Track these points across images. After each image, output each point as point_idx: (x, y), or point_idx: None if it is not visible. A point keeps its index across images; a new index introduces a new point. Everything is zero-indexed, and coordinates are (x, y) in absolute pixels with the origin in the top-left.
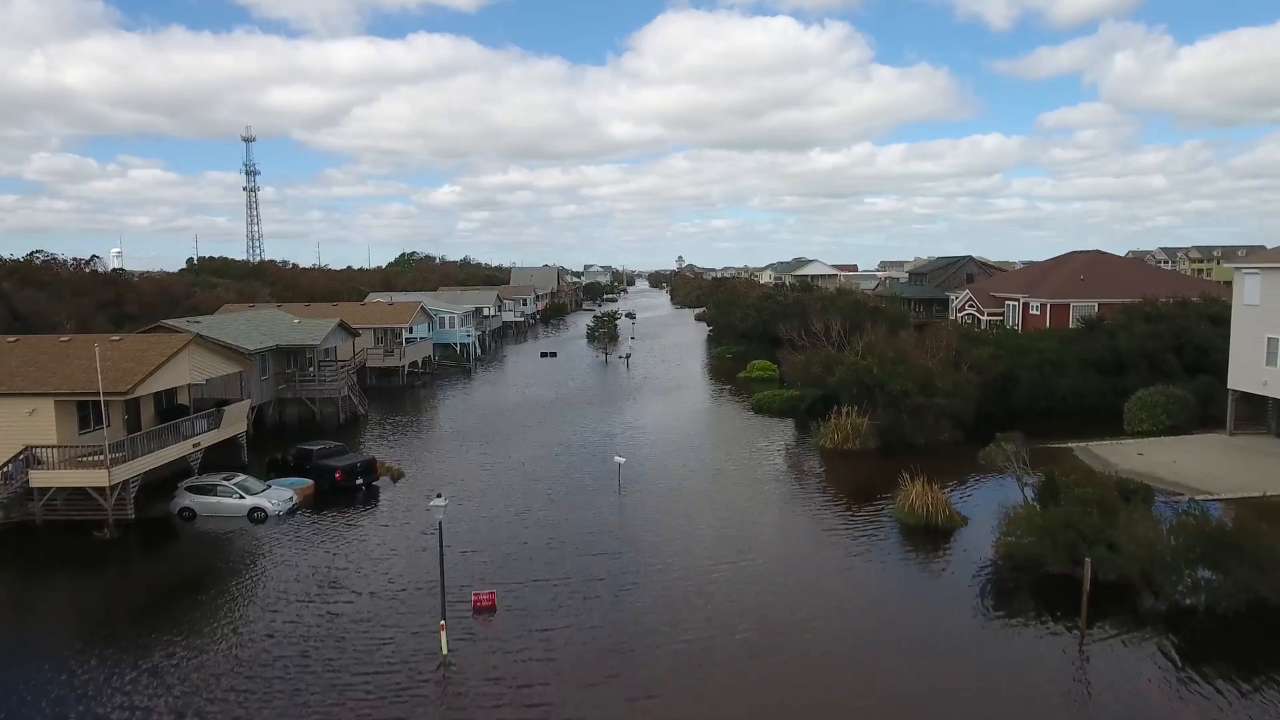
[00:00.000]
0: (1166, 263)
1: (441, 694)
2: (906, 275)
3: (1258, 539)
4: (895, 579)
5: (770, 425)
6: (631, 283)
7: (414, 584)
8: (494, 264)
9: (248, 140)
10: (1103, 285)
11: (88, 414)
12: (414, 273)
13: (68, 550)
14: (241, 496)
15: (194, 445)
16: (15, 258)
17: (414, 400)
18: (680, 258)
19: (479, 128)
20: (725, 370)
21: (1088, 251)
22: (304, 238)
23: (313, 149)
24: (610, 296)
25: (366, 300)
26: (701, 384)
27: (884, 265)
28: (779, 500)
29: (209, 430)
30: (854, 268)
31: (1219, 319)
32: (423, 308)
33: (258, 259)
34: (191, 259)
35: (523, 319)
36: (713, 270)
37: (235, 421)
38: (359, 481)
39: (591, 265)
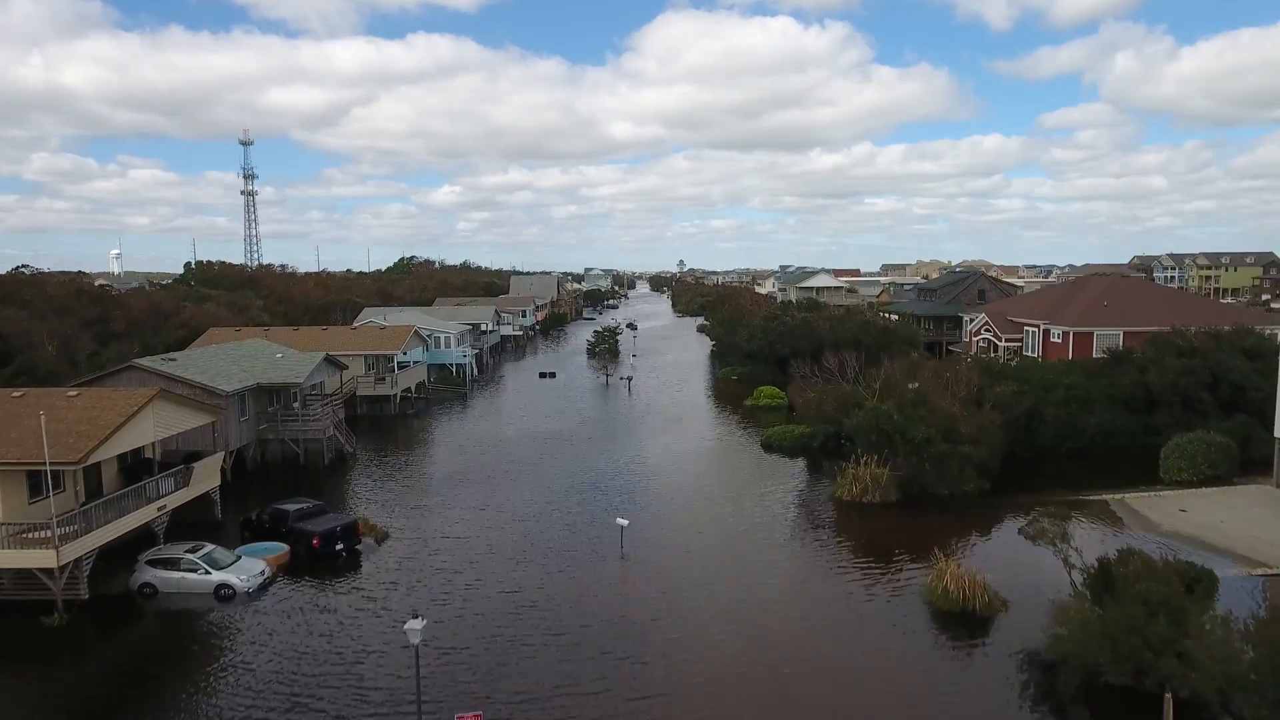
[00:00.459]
0: (1174, 269)
1: None
2: (910, 282)
3: None
4: (932, 676)
5: (782, 467)
6: (632, 286)
7: (389, 700)
8: (494, 267)
9: (245, 144)
10: (1127, 312)
11: (40, 480)
12: (411, 279)
13: (7, 638)
14: (207, 572)
15: (159, 509)
16: None
17: (406, 432)
18: (681, 262)
19: (479, 128)
20: (731, 395)
21: (1108, 275)
22: (304, 238)
23: (312, 149)
24: (611, 303)
25: (358, 322)
26: (707, 413)
27: (886, 269)
28: (798, 570)
29: (177, 490)
30: (856, 272)
31: (1256, 353)
32: (416, 331)
33: (256, 263)
34: (189, 263)
35: (521, 332)
36: (714, 274)
37: (207, 477)
38: (339, 547)
39: (592, 269)
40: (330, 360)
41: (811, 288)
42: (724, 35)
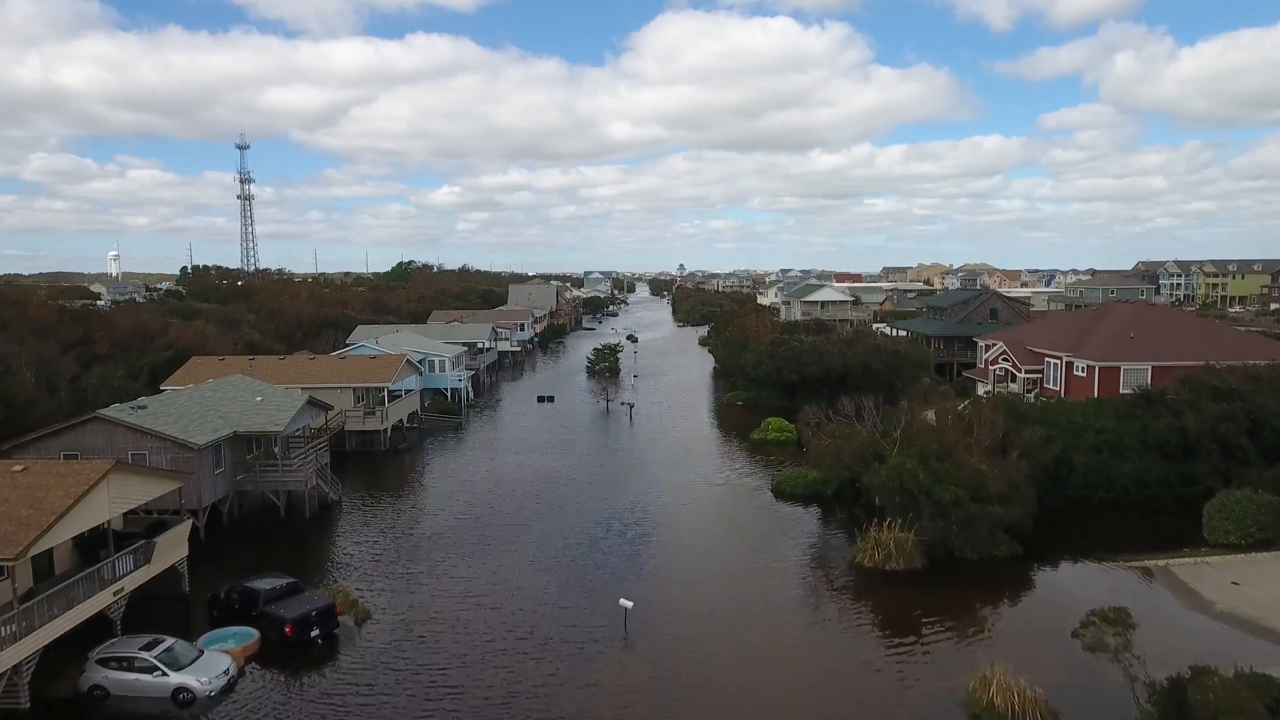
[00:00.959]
0: (1180, 276)
1: None
2: (913, 289)
3: None
4: None
5: (795, 518)
6: (632, 289)
7: None
8: (493, 270)
9: (242, 148)
10: (1155, 345)
11: None
12: (408, 288)
13: None
14: (165, 674)
15: (116, 594)
16: None
17: (396, 472)
18: (681, 266)
19: (478, 128)
20: (736, 425)
21: (1132, 301)
22: (302, 239)
23: (311, 149)
24: (611, 311)
25: (351, 340)
26: (712, 447)
27: (887, 272)
28: (821, 658)
29: (137, 569)
30: (858, 277)
31: None
32: (408, 360)
33: (253, 267)
34: (185, 268)
35: (519, 348)
36: (714, 276)
37: (173, 550)
38: (315, 633)
39: (591, 272)
40: (314, 402)
41: (816, 301)
42: (723, 35)
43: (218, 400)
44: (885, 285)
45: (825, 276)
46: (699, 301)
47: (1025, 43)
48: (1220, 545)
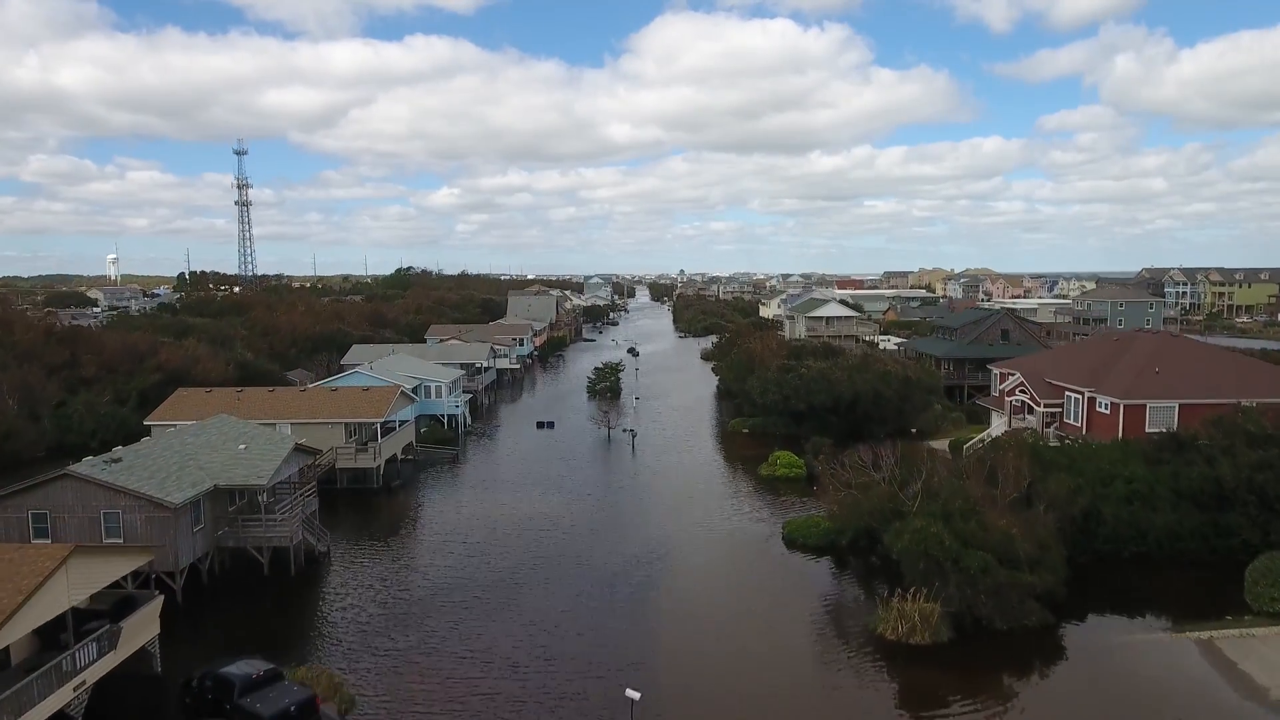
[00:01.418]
0: (1186, 284)
1: None
2: (916, 295)
3: None
4: None
5: (809, 572)
6: (632, 294)
7: None
8: (493, 273)
9: (240, 153)
10: (1182, 380)
11: None
12: (406, 298)
13: None
14: None
15: (77, 688)
16: None
17: (389, 515)
18: (682, 271)
19: (477, 129)
20: (743, 456)
21: (1154, 331)
22: (302, 240)
23: (310, 151)
24: (612, 320)
25: (345, 361)
26: (719, 483)
27: (888, 277)
28: None
29: (101, 657)
30: (860, 283)
31: None
32: (403, 392)
33: (250, 273)
34: (183, 274)
35: (518, 364)
36: (715, 280)
37: (142, 631)
38: None
39: (592, 277)
40: (301, 448)
41: (821, 317)
42: (723, 37)
43: (198, 448)
44: (887, 292)
45: (826, 283)
46: (700, 311)
47: (1025, 44)
48: (1267, 614)
